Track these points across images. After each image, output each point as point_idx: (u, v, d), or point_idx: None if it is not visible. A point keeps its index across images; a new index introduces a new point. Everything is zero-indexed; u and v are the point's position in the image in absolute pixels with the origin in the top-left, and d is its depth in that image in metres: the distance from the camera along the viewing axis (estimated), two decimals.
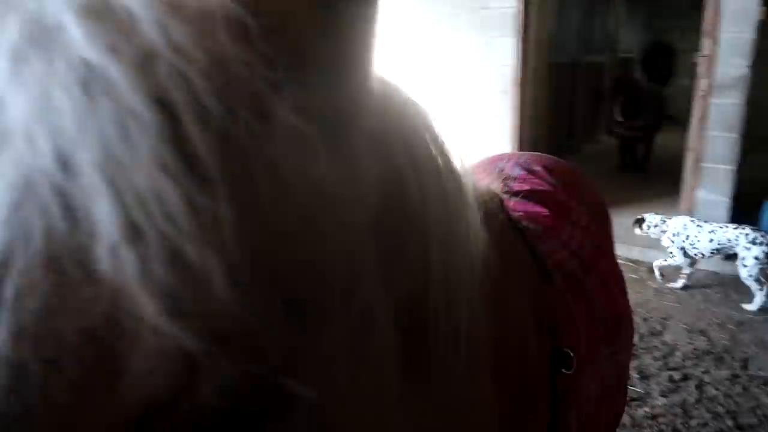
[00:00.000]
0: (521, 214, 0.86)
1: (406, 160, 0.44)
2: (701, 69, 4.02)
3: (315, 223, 0.31)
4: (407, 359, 0.44)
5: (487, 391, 0.59)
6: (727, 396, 2.69)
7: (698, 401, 2.65)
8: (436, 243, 0.46)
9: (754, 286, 3.44)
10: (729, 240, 3.49)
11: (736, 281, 3.90)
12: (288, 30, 0.31)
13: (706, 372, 2.90)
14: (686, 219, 3.76)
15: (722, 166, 3.96)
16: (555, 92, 6.76)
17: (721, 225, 3.64)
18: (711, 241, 3.56)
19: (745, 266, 3.42)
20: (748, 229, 3.46)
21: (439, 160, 0.49)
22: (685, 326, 3.37)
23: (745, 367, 2.94)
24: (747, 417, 2.53)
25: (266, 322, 0.28)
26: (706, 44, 3.96)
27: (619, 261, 1.12)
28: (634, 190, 5.68)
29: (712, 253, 3.61)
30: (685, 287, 3.84)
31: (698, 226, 3.65)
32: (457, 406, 0.53)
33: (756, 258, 3.36)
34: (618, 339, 0.94)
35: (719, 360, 3.01)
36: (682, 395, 2.70)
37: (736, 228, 3.52)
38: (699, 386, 2.77)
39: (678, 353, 3.08)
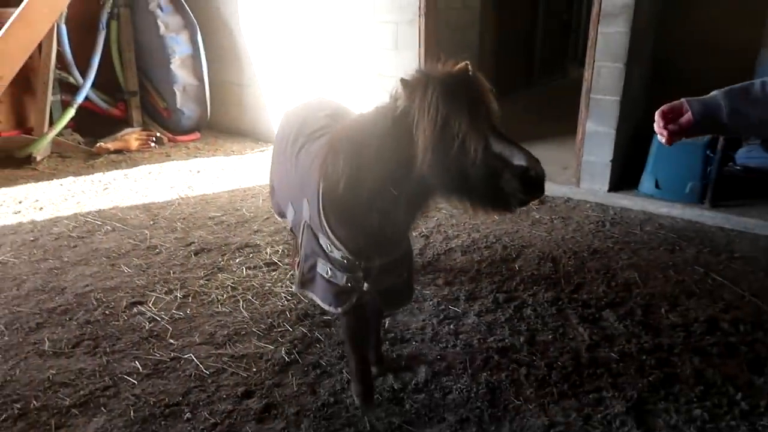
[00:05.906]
0: None
1: None
2: None
3: None
4: None
5: None
6: (538, 316, 2.84)
7: (508, 320, 2.81)
8: None
9: None
10: None
11: (620, 212, 3.98)
12: None
13: (532, 295, 3.03)
14: None
15: (608, 97, 3.93)
16: (507, 22, 6.64)
17: None
18: None
19: None
20: None
21: None
22: (539, 254, 3.48)
23: (574, 291, 3.07)
24: (507, 339, 2.67)
25: None
26: None
27: None
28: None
29: None
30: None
31: None
32: None
33: None
34: None
35: (554, 285, 3.13)
36: (497, 315, 2.85)
37: None
38: (519, 307, 2.92)
39: (517, 278, 3.21)
